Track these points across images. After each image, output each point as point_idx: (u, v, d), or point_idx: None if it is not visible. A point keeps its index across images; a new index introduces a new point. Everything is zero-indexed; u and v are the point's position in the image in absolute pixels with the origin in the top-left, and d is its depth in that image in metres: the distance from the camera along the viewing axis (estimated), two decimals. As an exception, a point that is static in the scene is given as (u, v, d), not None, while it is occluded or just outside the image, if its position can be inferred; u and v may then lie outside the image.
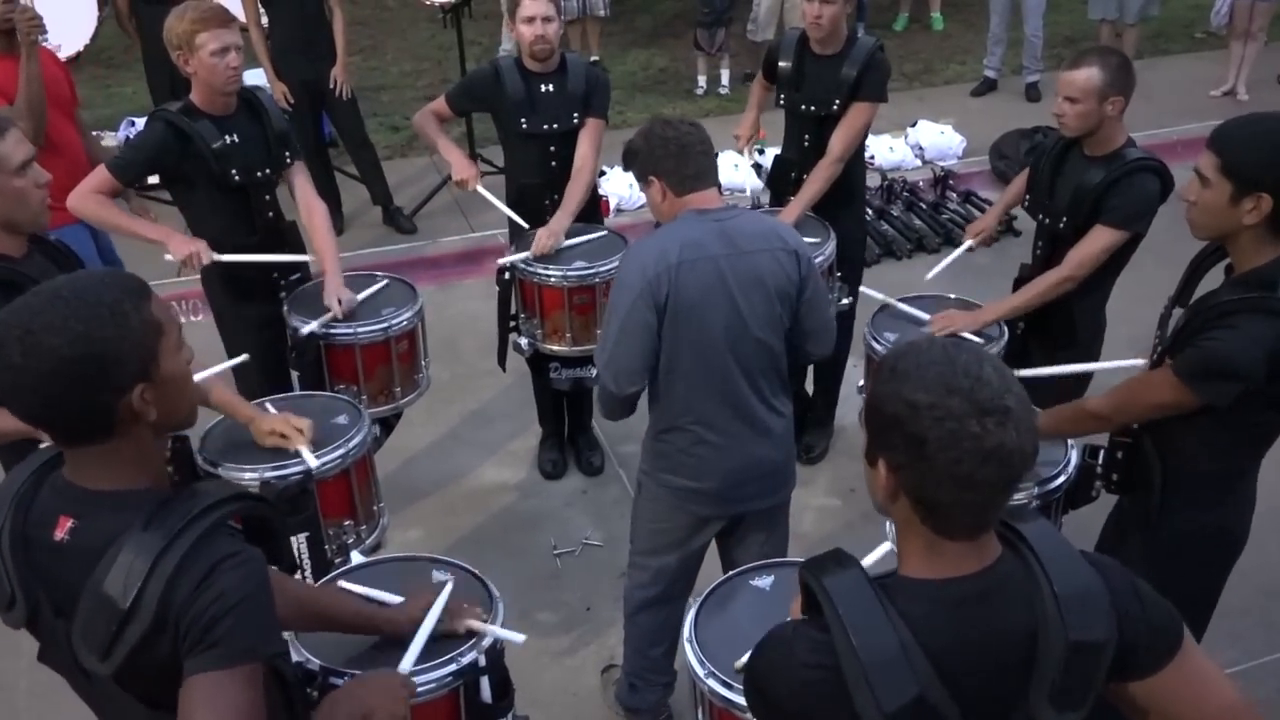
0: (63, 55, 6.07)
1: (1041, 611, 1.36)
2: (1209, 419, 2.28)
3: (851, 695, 1.30)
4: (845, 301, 3.99)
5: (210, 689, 1.42)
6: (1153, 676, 1.43)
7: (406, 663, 1.94)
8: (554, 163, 3.85)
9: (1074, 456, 2.71)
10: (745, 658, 1.88)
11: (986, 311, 3.24)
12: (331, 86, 5.77)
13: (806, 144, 3.97)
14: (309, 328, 3.24)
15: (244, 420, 2.75)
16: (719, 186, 2.70)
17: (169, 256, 3.21)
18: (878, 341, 3.24)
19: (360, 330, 3.28)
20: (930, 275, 3.52)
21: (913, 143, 6.97)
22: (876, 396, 1.37)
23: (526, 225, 3.83)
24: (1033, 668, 1.36)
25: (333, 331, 3.27)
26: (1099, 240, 3.09)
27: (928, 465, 1.30)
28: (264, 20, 5.77)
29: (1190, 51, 8.90)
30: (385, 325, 3.31)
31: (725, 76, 8.08)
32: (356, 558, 2.42)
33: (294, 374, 3.34)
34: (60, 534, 1.47)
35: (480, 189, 3.86)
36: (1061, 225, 3.23)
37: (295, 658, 2.00)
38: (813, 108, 3.89)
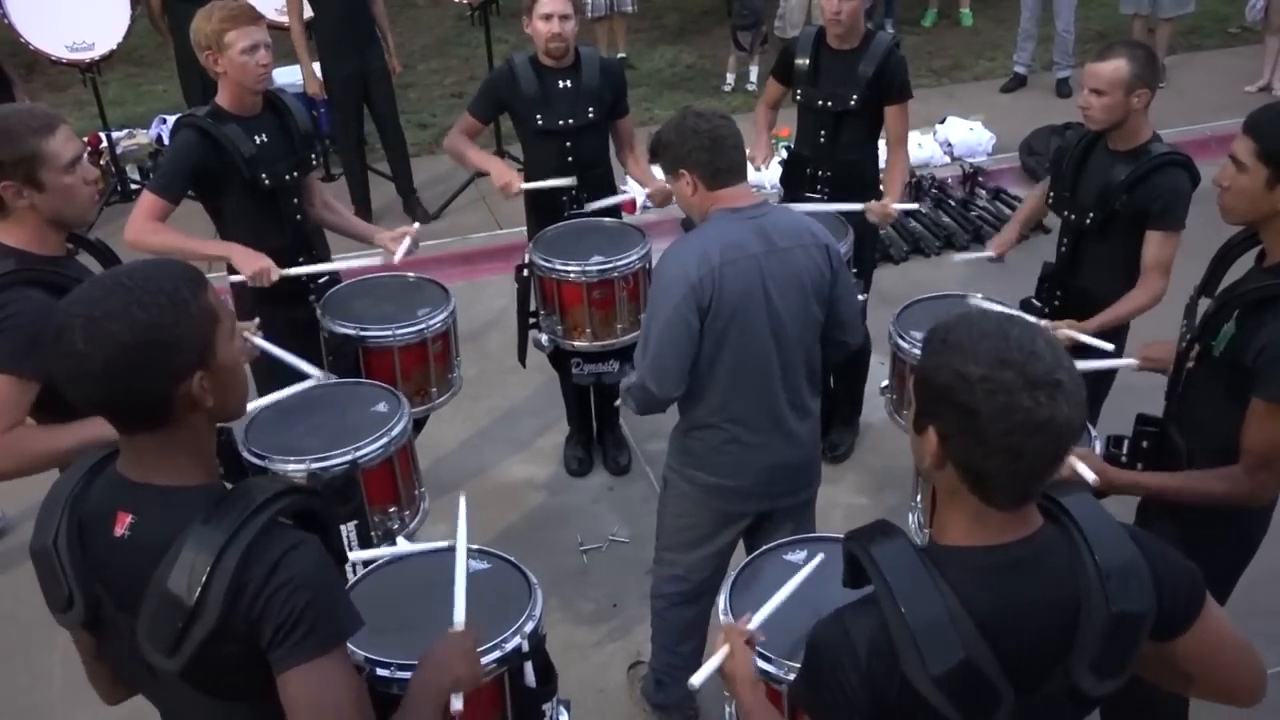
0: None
1: (1084, 582, 1.39)
2: (1235, 406, 2.26)
3: (899, 660, 1.34)
4: (861, 298, 3.97)
5: (313, 678, 1.46)
6: (1183, 635, 1.48)
7: (459, 616, 1.92)
8: (570, 158, 3.85)
9: (1099, 446, 2.69)
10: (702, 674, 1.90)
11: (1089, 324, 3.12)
12: (390, 73, 5.96)
13: (823, 140, 3.95)
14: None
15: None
16: (748, 182, 2.69)
17: (234, 278, 3.19)
18: (904, 339, 3.22)
19: (398, 332, 3.29)
20: (957, 258, 3.82)
21: (941, 139, 6.92)
22: (927, 367, 1.38)
23: (564, 181, 3.80)
24: (1074, 636, 1.39)
25: (369, 334, 3.28)
26: (1164, 247, 3.09)
27: (978, 436, 1.33)
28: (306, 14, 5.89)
29: (1225, 46, 8.78)
30: (421, 326, 3.31)
31: (754, 73, 8.06)
32: (402, 543, 2.43)
33: (330, 377, 3.35)
34: (120, 530, 1.49)
35: (524, 185, 3.84)
36: (1088, 221, 3.21)
37: None
38: (829, 103, 3.88)
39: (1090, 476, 2.33)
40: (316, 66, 6.04)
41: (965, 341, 1.34)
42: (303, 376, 2.96)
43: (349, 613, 1.54)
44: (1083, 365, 2.75)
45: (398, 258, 3.46)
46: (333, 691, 1.47)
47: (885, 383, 3.46)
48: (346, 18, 5.75)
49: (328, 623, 1.48)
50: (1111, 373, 3.19)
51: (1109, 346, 3.00)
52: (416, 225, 3.62)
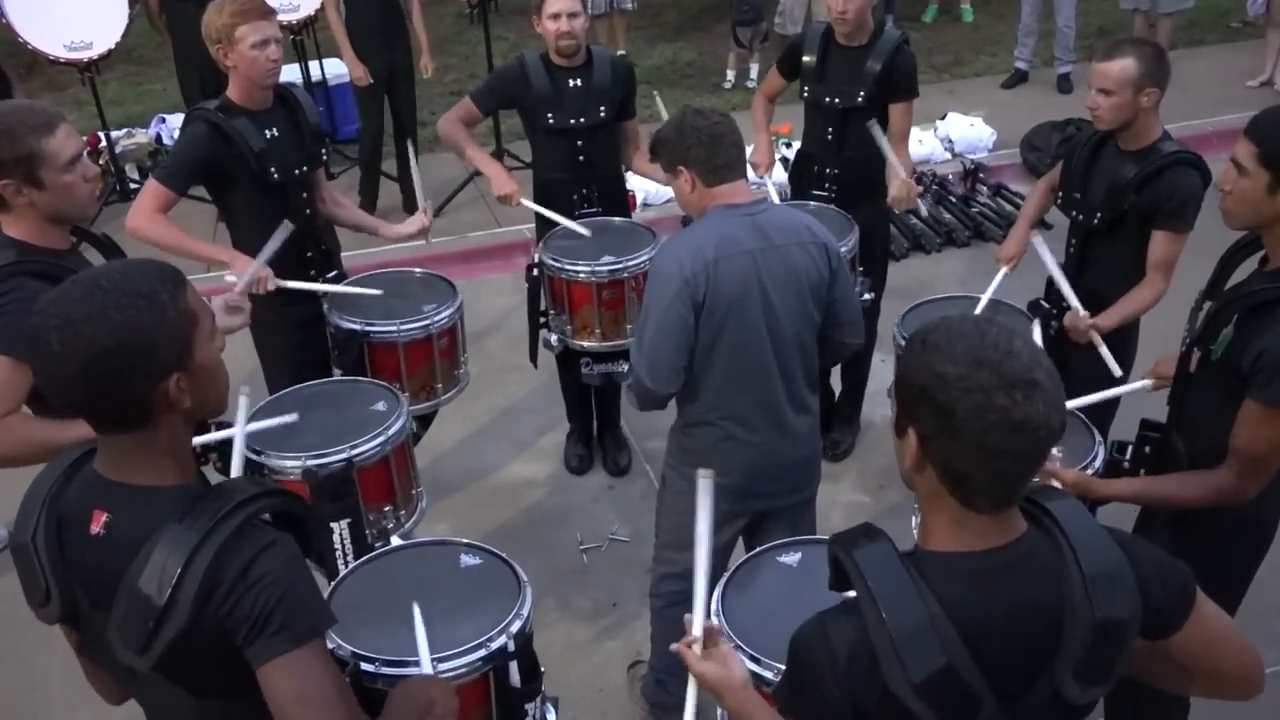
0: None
1: (1068, 588, 1.38)
2: (1232, 411, 2.24)
3: (880, 666, 1.33)
4: (867, 297, 3.95)
5: (290, 671, 1.45)
6: (1176, 634, 1.47)
7: (425, 663, 1.94)
8: (581, 157, 3.84)
9: (1101, 451, 2.67)
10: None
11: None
12: (424, 75, 6.07)
13: (830, 137, 3.93)
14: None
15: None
16: (746, 179, 2.69)
17: (230, 277, 3.15)
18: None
19: (403, 327, 3.27)
20: (983, 302, 3.27)
21: (942, 135, 6.91)
22: (906, 368, 1.38)
23: (577, 228, 3.75)
24: (1058, 642, 1.38)
25: (374, 329, 3.26)
26: (1170, 247, 3.06)
27: (955, 436, 1.32)
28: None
29: (1226, 42, 8.77)
30: (427, 322, 3.30)
31: (754, 70, 8.05)
32: (396, 541, 2.44)
33: (336, 371, 3.34)
34: (96, 528, 1.49)
35: (525, 202, 3.81)
36: (1096, 221, 3.18)
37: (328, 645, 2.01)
38: (837, 100, 3.86)
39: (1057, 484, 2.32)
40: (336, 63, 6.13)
41: (943, 342, 1.35)
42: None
43: (322, 609, 1.54)
44: (1095, 398, 2.73)
45: (414, 229, 3.60)
46: (316, 681, 1.47)
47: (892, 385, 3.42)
48: (377, 11, 5.80)
49: (302, 617, 1.47)
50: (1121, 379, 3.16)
51: (1126, 382, 2.97)
52: (429, 204, 3.69)
